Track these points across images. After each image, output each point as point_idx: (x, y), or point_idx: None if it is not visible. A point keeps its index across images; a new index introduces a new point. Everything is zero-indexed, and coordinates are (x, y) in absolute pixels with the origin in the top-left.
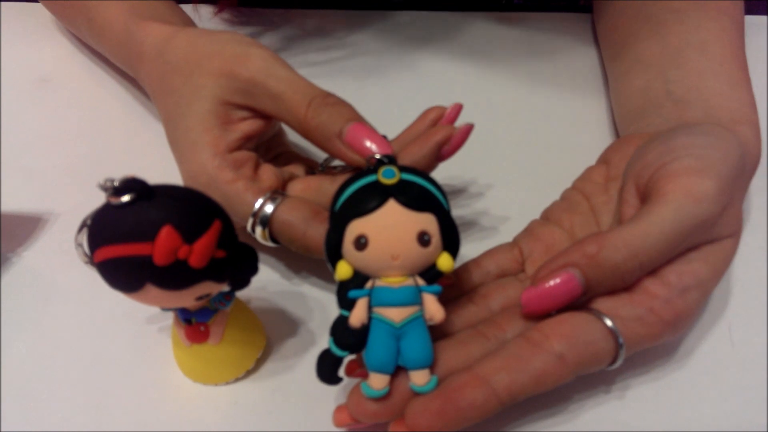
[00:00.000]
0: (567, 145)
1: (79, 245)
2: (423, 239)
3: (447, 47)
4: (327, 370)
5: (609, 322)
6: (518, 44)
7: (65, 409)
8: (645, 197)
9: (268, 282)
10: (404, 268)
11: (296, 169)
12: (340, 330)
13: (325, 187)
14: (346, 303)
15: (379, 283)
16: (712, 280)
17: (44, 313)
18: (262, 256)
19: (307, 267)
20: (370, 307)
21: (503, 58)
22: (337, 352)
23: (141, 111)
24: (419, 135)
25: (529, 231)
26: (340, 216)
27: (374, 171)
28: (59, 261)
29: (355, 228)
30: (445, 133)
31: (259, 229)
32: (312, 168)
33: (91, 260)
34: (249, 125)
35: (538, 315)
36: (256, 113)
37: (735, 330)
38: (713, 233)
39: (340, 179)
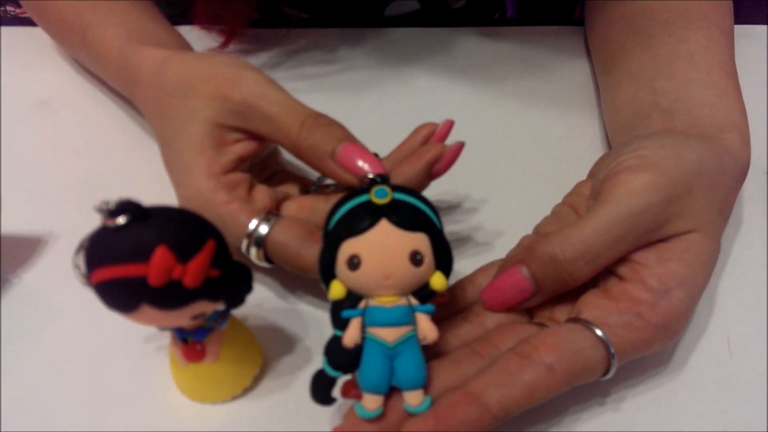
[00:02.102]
0: (560, 159)
1: (77, 267)
2: (415, 259)
3: (439, 62)
4: (321, 390)
5: (598, 331)
6: (510, 58)
7: (64, 428)
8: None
9: (265, 300)
10: (397, 287)
11: (290, 188)
12: (334, 350)
13: (319, 207)
14: (339, 323)
15: (372, 302)
16: (693, 277)
17: (44, 333)
18: (257, 275)
19: (303, 285)
20: (363, 327)
21: (495, 73)
22: (331, 372)
23: (139, 133)
24: (411, 153)
25: (520, 246)
26: (333, 236)
27: (367, 190)
28: (59, 282)
29: (347, 248)
30: (436, 152)
31: (253, 250)
32: (306, 187)
33: (89, 281)
34: (243, 147)
35: (496, 310)
36: (250, 135)
37: (734, 340)
38: (671, 227)
39: (334, 198)
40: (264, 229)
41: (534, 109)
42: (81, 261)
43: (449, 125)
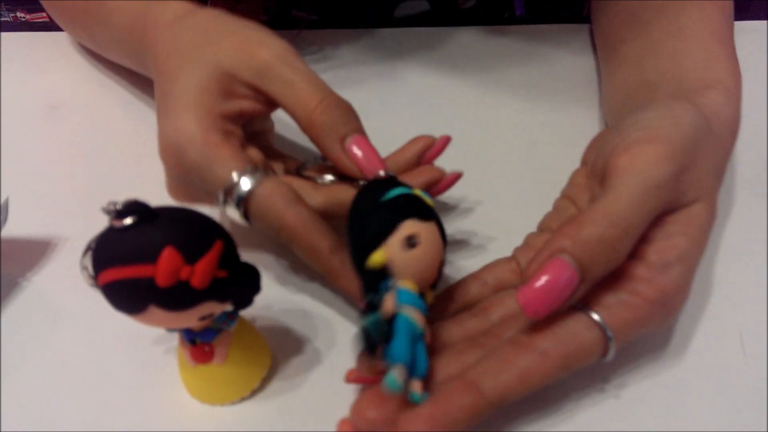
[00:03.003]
0: (567, 157)
1: (85, 268)
2: (441, 266)
3: (446, 62)
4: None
5: (594, 315)
6: (518, 57)
7: (73, 430)
8: (602, 182)
9: (273, 301)
10: (425, 281)
11: (276, 166)
12: (371, 313)
13: (307, 192)
14: (372, 286)
15: (401, 285)
16: (692, 251)
17: (53, 335)
18: (265, 275)
19: (311, 285)
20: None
21: (503, 71)
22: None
23: (147, 136)
24: (409, 170)
25: (526, 243)
26: (395, 210)
27: (402, 184)
28: (68, 285)
29: (410, 227)
30: (432, 176)
31: (234, 201)
32: (290, 168)
33: (96, 283)
34: (249, 104)
35: (542, 315)
36: (260, 96)
37: (746, 336)
38: (679, 198)
39: (324, 189)
40: (251, 182)
41: (540, 106)
42: (89, 262)
43: (446, 141)
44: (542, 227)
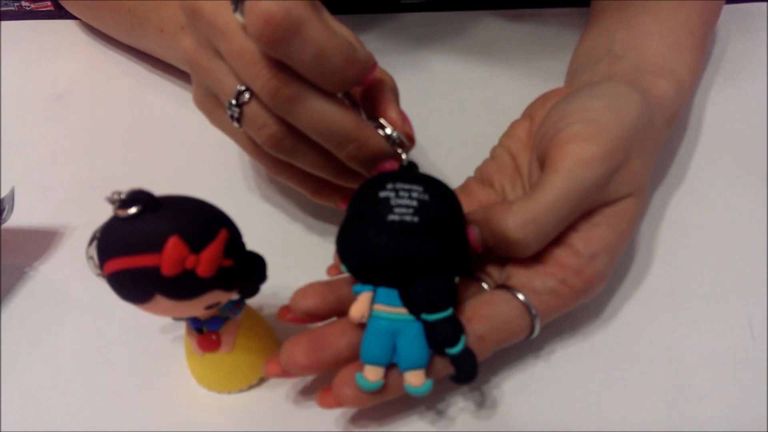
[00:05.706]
0: None
1: (90, 258)
2: None
3: (455, 45)
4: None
5: (522, 297)
6: (528, 41)
7: (81, 419)
8: (542, 166)
9: (279, 289)
10: None
11: None
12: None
13: None
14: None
15: None
16: (618, 243)
17: (60, 325)
18: (271, 264)
19: (319, 272)
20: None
21: (512, 56)
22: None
23: (154, 126)
24: None
25: (466, 188)
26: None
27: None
28: (75, 274)
29: None
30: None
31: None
32: None
33: (102, 272)
34: None
35: None
36: None
37: (755, 321)
38: (610, 194)
39: None
40: None
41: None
42: (94, 252)
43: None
44: (481, 175)
